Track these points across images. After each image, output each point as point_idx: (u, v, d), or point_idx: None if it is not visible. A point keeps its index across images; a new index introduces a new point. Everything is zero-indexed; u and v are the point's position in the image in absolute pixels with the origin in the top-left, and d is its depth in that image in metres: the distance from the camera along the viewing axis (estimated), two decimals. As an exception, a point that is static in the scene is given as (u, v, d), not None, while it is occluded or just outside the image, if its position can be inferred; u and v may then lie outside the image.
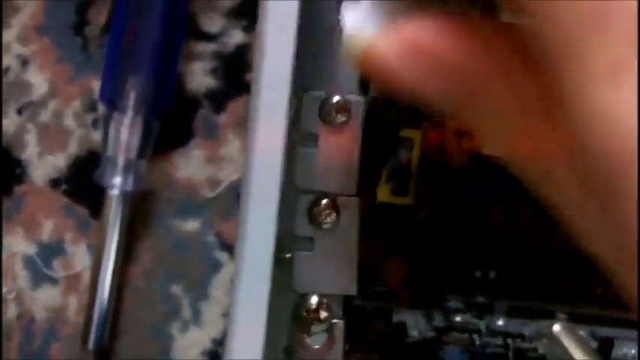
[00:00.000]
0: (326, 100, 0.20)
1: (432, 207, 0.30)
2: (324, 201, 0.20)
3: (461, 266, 0.29)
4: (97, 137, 0.33)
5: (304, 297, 0.20)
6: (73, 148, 0.33)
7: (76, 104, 0.33)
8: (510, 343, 0.26)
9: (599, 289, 0.29)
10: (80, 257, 0.33)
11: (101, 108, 0.33)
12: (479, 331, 0.25)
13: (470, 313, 0.26)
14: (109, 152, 0.31)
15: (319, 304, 0.19)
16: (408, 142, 0.29)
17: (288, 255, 0.20)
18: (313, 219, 0.20)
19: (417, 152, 0.29)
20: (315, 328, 0.20)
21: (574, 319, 0.26)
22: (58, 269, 0.33)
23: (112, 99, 0.31)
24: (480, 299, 0.27)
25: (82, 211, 0.33)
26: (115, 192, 0.31)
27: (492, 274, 0.29)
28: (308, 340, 0.20)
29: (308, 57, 0.20)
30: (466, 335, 0.25)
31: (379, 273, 0.29)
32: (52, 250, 0.33)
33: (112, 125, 0.31)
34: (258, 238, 0.18)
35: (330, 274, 0.20)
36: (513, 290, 0.29)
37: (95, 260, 0.32)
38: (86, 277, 0.32)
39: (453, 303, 0.26)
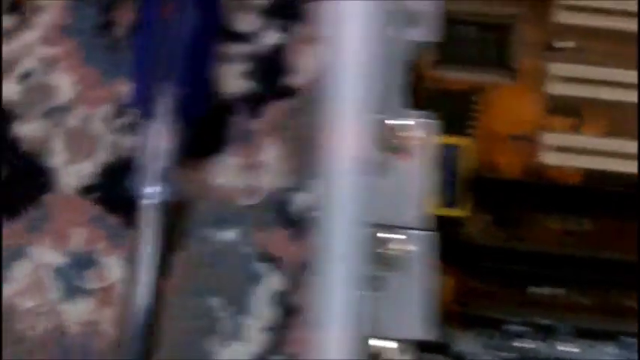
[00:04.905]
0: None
1: (484, 219, 0.29)
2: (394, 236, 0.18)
3: (514, 282, 0.28)
4: (127, 143, 0.32)
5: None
6: (103, 155, 0.32)
7: (105, 109, 0.32)
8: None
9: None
10: (113, 269, 0.32)
11: (131, 114, 0.31)
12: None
13: (530, 338, 0.25)
14: (142, 160, 0.30)
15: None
16: (455, 152, 0.28)
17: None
18: (382, 257, 0.19)
19: (466, 162, 0.28)
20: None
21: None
22: (90, 281, 0.32)
23: (144, 105, 0.30)
24: (538, 320, 0.26)
25: (114, 220, 0.32)
26: (148, 201, 0.30)
27: (547, 291, 0.28)
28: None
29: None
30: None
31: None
32: (83, 262, 0.32)
33: (145, 133, 0.30)
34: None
35: (402, 318, 0.19)
36: (570, 309, 0.28)
37: (129, 272, 0.31)
38: (121, 289, 0.31)
39: (513, 326, 0.26)
